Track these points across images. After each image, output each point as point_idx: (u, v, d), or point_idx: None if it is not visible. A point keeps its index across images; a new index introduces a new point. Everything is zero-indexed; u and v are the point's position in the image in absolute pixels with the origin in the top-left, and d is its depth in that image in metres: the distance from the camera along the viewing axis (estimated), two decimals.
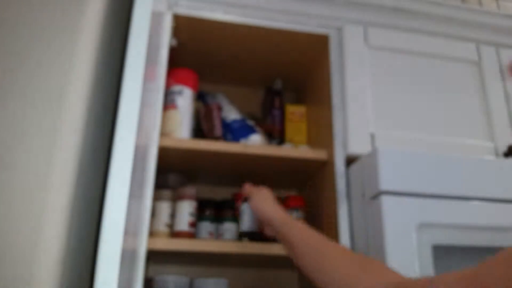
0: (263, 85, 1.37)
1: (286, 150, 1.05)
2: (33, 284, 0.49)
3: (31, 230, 0.50)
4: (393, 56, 1.11)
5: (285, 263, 1.13)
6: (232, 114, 1.16)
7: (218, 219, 1.05)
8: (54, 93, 0.58)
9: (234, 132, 1.12)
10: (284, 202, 1.13)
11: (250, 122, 1.16)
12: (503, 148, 1.08)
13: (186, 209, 0.98)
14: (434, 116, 1.08)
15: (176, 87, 1.08)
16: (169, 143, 0.97)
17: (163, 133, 1.00)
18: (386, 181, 0.85)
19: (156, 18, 0.77)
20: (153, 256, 1.02)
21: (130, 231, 0.62)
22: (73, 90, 0.62)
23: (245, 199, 0.89)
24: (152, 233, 0.95)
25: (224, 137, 1.11)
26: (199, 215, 1.03)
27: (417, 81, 1.10)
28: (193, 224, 0.98)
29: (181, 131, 1.04)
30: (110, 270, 0.49)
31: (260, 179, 1.22)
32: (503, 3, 1.70)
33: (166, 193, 1.00)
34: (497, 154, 1.07)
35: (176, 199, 1.01)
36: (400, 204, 0.83)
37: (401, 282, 0.54)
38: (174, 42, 1.06)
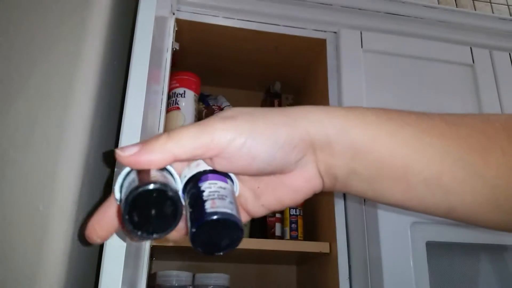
0: (262, 88, 1.40)
1: None
2: (38, 281, 0.50)
3: (37, 229, 0.50)
4: (389, 59, 1.13)
5: (284, 258, 1.16)
6: None
7: None
8: (60, 93, 0.58)
9: None
10: None
11: None
12: None
13: None
14: None
15: (179, 89, 1.11)
16: None
17: None
18: None
19: (159, 22, 0.78)
20: (157, 252, 1.05)
21: None
22: (79, 90, 0.64)
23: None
24: None
25: None
26: None
27: (411, 84, 1.12)
28: None
29: None
30: (115, 266, 0.49)
31: None
32: (497, 6, 1.72)
33: None
34: None
35: None
36: None
37: None
38: (177, 46, 1.09)
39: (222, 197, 0.28)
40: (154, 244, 0.88)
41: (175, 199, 0.26)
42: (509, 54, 1.22)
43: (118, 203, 0.29)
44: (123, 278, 0.50)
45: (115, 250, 0.50)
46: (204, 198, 0.27)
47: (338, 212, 0.98)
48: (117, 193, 0.29)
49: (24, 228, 0.50)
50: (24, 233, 0.50)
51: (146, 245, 0.84)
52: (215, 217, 0.26)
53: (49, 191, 0.54)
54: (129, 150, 0.27)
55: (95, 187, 0.74)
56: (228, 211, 0.27)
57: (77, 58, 0.63)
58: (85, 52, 0.65)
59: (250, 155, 0.28)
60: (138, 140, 0.58)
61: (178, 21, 1.07)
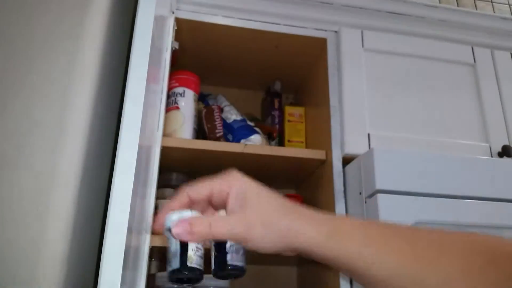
0: (262, 87, 1.40)
1: (285, 150, 1.07)
2: (37, 282, 0.50)
3: (35, 229, 0.50)
4: (390, 58, 1.13)
5: (284, 259, 1.15)
6: (232, 114, 1.18)
7: None
8: (59, 93, 0.58)
9: (234, 132, 1.14)
10: None
11: (250, 123, 1.18)
12: (497, 148, 1.09)
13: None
14: (430, 117, 1.10)
15: (179, 89, 1.10)
16: (171, 143, 0.99)
17: (166, 134, 1.02)
18: (382, 181, 0.87)
19: (158, 21, 0.78)
20: (156, 253, 1.05)
21: (133, 230, 0.64)
22: (78, 90, 0.63)
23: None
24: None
25: (225, 137, 1.13)
26: None
27: (413, 83, 1.12)
28: None
29: (183, 131, 1.06)
30: (114, 267, 0.49)
31: (259, 178, 1.24)
32: (498, 6, 1.72)
33: (169, 192, 1.02)
34: (491, 155, 1.09)
35: None
36: (396, 203, 0.85)
37: None
38: (176, 45, 1.09)
39: (237, 251, 0.43)
40: (154, 245, 0.88)
41: (200, 280, 0.43)
42: (511, 53, 1.23)
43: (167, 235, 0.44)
44: (122, 279, 0.50)
45: (114, 251, 0.50)
46: (226, 250, 0.43)
47: (338, 213, 0.98)
48: (166, 232, 0.43)
49: (23, 229, 0.50)
50: (23, 234, 0.50)
51: (145, 246, 0.83)
52: (231, 268, 0.43)
53: (47, 191, 0.54)
54: (182, 226, 0.41)
55: (93, 188, 0.73)
56: (241, 264, 0.43)
57: (76, 58, 0.63)
58: (84, 52, 0.65)
59: (257, 247, 0.41)
60: (137, 140, 0.58)
61: (177, 20, 1.07)
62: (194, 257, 0.41)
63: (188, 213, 0.43)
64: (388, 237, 0.40)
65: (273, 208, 0.42)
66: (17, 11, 0.55)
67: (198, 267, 0.42)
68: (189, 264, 0.41)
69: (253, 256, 1.12)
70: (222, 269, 0.43)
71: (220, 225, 0.41)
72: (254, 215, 0.41)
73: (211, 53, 1.23)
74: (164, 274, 0.97)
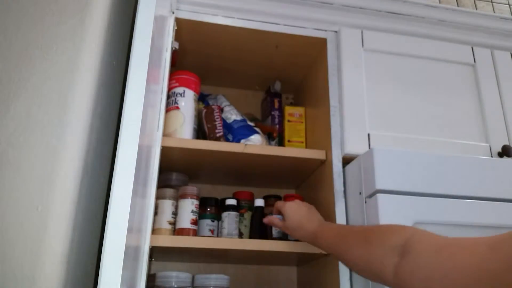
0: (262, 87, 1.40)
1: (284, 150, 1.07)
2: (37, 281, 0.50)
3: (35, 229, 0.51)
4: (389, 58, 1.13)
5: (284, 259, 1.16)
6: (232, 114, 1.18)
7: (219, 216, 1.07)
8: (59, 93, 0.58)
9: (234, 132, 1.14)
10: (283, 200, 1.16)
11: (250, 123, 1.18)
12: (497, 148, 1.10)
13: (188, 207, 1.00)
14: (430, 117, 1.10)
15: (179, 89, 1.10)
16: (171, 143, 1.00)
17: (166, 134, 1.02)
18: (382, 180, 0.87)
19: (159, 21, 0.78)
20: (156, 253, 1.05)
21: (134, 229, 0.63)
22: (78, 91, 0.63)
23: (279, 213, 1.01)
24: (155, 231, 0.97)
25: (225, 137, 1.13)
26: (201, 212, 1.05)
27: (412, 83, 1.12)
28: (195, 222, 1.00)
29: (183, 131, 1.06)
30: (114, 266, 0.49)
31: (259, 178, 1.24)
32: (498, 6, 1.72)
33: (169, 191, 1.02)
34: (491, 155, 1.09)
35: (178, 197, 1.03)
36: (396, 202, 0.85)
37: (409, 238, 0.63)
38: (176, 45, 1.09)
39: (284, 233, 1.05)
40: (153, 245, 0.88)
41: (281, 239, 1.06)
42: (511, 53, 1.23)
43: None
44: (122, 278, 0.50)
45: (114, 251, 0.50)
46: (280, 231, 1.06)
47: (338, 213, 0.98)
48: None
49: (23, 228, 0.50)
50: (23, 233, 0.50)
51: (145, 246, 0.84)
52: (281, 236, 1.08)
53: (47, 191, 0.54)
54: (267, 219, 1.00)
55: (93, 187, 0.73)
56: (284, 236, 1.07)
57: (76, 58, 0.63)
58: (84, 52, 0.65)
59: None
60: (137, 140, 0.58)
61: (177, 20, 1.07)
62: (274, 231, 1.05)
63: (275, 216, 0.98)
64: (339, 235, 0.80)
65: (294, 222, 0.92)
66: (18, 13, 0.55)
67: (277, 235, 1.04)
68: (273, 234, 1.05)
69: (254, 257, 1.13)
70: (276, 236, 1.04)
71: (276, 223, 0.96)
72: (286, 223, 0.93)
73: (211, 53, 1.23)
74: (166, 273, 0.98)
